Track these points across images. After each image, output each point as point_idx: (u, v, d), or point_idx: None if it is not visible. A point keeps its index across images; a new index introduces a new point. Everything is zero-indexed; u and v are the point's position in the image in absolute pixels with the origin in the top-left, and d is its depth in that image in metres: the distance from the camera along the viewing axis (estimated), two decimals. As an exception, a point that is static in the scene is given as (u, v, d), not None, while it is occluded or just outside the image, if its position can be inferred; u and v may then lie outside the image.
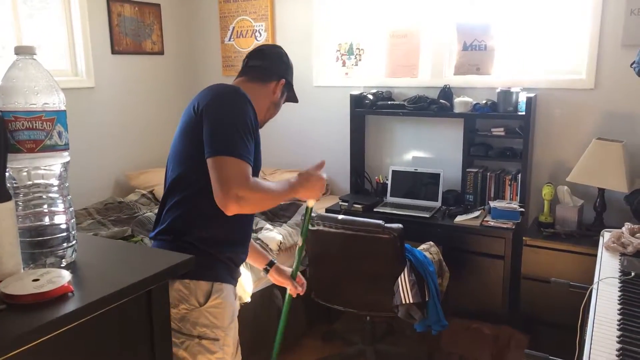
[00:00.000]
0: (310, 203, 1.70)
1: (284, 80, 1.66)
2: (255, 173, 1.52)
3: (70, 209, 0.85)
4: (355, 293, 2.71)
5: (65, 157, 0.83)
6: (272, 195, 1.48)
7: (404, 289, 2.52)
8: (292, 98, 1.75)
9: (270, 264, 1.89)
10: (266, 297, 2.73)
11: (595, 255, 1.91)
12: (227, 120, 1.41)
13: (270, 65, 1.65)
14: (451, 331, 2.79)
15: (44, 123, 0.80)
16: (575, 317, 1.79)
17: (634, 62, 2.22)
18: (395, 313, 2.60)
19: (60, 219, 0.82)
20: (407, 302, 2.54)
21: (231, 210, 1.35)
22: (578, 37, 2.95)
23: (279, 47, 1.75)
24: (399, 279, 2.54)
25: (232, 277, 1.58)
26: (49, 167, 0.82)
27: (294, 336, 2.93)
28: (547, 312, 2.73)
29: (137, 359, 0.82)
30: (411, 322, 2.62)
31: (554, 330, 2.70)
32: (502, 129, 3.03)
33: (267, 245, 2.71)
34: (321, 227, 2.63)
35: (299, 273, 1.89)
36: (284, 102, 1.72)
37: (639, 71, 2.15)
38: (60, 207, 0.82)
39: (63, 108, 0.84)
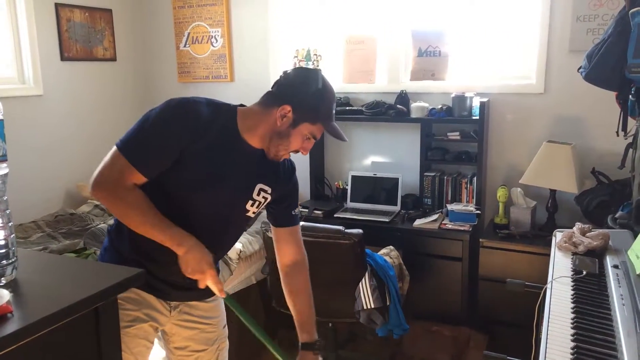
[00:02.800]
0: (218, 293, 1.47)
1: (288, 107, 1.42)
2: (191, 190, 1.41)
3: (10, 224, 0.80)
4: (317, 300, 2.65)
5: (3, 168, 0.78)
6: (137, 214, 1.34)
7: (365, 294, 2.52)
8: (334, 132, 1.51)
9: (305, 345, 1.65)
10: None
11: (549, 255, 1.96)
12: (142, 122, 1.37)
13: (279, 89, 1.47)
14: (412, 334, 2.81)
15: (-21, 133, 0.75)
16: (531, 316, 1.83)
17: (580, 67, 2.30)
18: (357, 318, 2.60)
19: (-2, 235, 0.77)
20: (369, 307, 2.54)
21: (92, 192, 1.33)
22: (528, 43, 3.04)
23: (308, 70, 1.57)
24: (360, 284, 2.54)
25: (148, 286, 1.48)
26: (-14, 180, 0.77)
27: (256, 345, 2.89)
28: (504, 312, 2.79)
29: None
30: (373, 327, 2.62)
31: (511, 330, 2.76)
32: (457, 133, 3.09)
33: (227, 255, 2.66)
34: (309, 238, 2.60)
35: None
36: (318, 136, 1.50)
37: (586, 76, 2.22)
38: (-1, 222, 0.77)
39: (0, 117, 0.79)
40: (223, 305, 1.70)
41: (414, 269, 2.86)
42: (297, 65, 3.59)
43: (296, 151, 1.51)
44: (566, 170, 2.68)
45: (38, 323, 0.67)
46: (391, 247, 2.85)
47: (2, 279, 0.78)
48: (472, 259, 2.88)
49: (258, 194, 1.53)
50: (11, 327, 0.66)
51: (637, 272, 1.55)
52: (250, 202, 1.52)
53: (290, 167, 1.65)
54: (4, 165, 0.79)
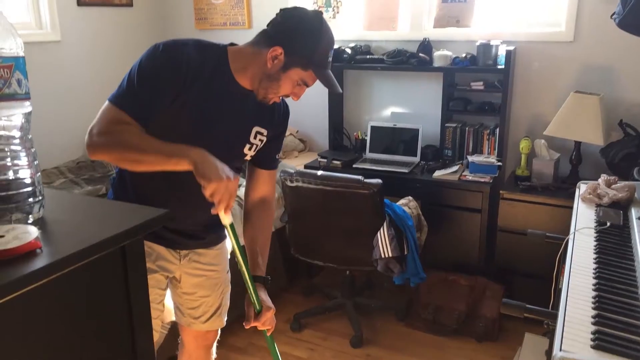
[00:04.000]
0: (225, 220, 1.32)
1: (279, 49, 1.33)
2: (186, 135, 1.32)
3: (35, 163, 0.80)
4: (334, 248, 2.72)
5: (26, 107, 0.78)
6: (134, 148, 1.24)
7: (383, 243, 2.54)
8: (326, 81, 1.41)
9: (256, 278, 1.56)
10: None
11: (570, 208, 1.93)
12: (131, 72, 1.32)
13: (273, 29, 1.37)
14: (428, 283, 2.84)
15: (1, 70, 0.74)
16: (549, 268, 1.83)
17: (614, 13, 2.20)
18: (375, 267, 2.63)
19: (24, 173, 0.77)
20: (386, 256, 2.56)
21: (88, 152, 1.28)
22: (559, -12, 2.90)
23: (307, 11, 1.40)
24: (378, 233, 2.55)
25: (158, 237, 1.51)
26: (9, 118, 0.76)
27: (275, 291, 2.95)
28: (522, 263, 2.79)
29: (113, 316, 0.80)
30: (390, 275, 2.65)
31: (528, 281, 2.77)
32: (481, 83, 3.01)
33: (240, 198, 2.68)
34: (300, 184, 2.61)
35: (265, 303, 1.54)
36: (310, 83, 1.42)
37: (620, 22, 2.12)
38: (24, 160, 0.77)
39: (21, 54, 0.78)
40: (227, 252, 1.74)
41: (432, 220, 2.86)
42: (317, 12, 3.49)
43: (287, 96, 1.45)
44: (593, 122, 2.61)
45: (66, 259, 0.68)
46: (410, 197, 2.85)
47: (30, 216, 0.78)
48: (491, 210, 2.86)
49: (255, 137, 1.50)
50: (40, 262, 0.67)
51: (664, 224, 1.53)
52: (248, 145, 1.50)
53: (285, 110, 1.60)
54: (27, 103, 0.78)
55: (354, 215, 2.58)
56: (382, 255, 2.56)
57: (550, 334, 1.64)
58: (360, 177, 2.49)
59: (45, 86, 3.17)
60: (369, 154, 3.32)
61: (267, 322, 1.53)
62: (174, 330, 2.12)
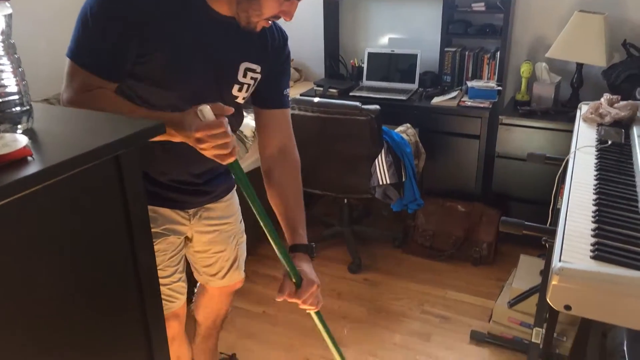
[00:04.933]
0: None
1: None
2: (166, 86, 1.20)
3: (20, 69, 0.76)
4: (332, 176, 2.71)
5: (7, 8, 0.73)
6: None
7: (381, 170, 2.53)
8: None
9: (294, 248, 1.35)
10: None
11: (570, 132, 1.91)
12: (82, 20, 1.14)
13: None
14: (426, 210, 2.87)
15: (-25, -33, 0.69)
16: (547, 193, 1.83)
17: None
18: (373, 194, 2.63)
19: (9, 80, 0.73)
20: (384, 183, 2.56)
21: None
22: None
23: None
24: (376, 160, 2.54)
25: (161, 200, 1.38)
26: (-12, 22, 0.72)
27: (273, 222, 2.97)
28: (519, 189, 2.80)
29: (111, 227, 0.79)
30: (388, 202, 2.67)
31: (525, 206, 2.80)
32: (482, 4, 2.89)
33: (242, 132, 2.64)
34: (296, 111, 2.56)
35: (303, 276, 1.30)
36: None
37: None
38: (8, 66, 0.73)
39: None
40: (237, 201, 1.60)
41: (430, 147, 2.84)
42: None
43: (277, 17, 1.19)
44: (596, 42, 2.54)
45: (60, 166, 0.65)
46: (408, 124, 2.81)
47: (19, 127, 0.75)
48: (490, 137, 2.84)
49: (244, 76, 1.28)
50: (32, 168, 0.65)
51: (666, 140, 1.51)
52: (237, 86, 1.28)
53: (282, 37, 1.36)
54: (8, 4, 0.73)
55: (351, 142, 2.55)
56: (380, 183, 2.56)
57: (546, 253, 1.66)
58: (357, 104, 2.45)
59: (28, 13, 3.04)
60: (366, 82, 3.25)
61: (309, 300, 1.27)
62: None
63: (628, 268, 1.04)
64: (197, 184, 1.42)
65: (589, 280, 1.03)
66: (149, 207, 1.34)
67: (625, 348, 1.68)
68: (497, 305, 2.25)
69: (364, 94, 3.07)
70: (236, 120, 1.41)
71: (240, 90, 1.30)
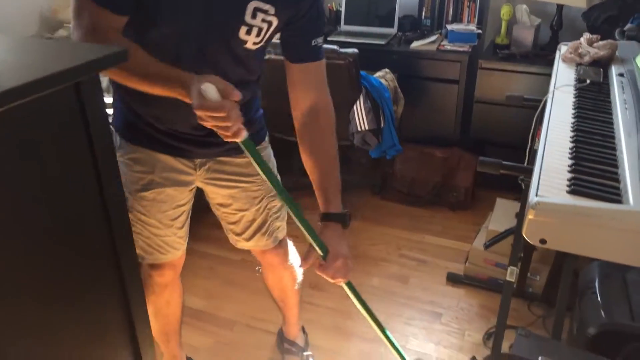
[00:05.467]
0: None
1: None
2: (160, 37, 1.12)
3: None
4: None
5: None
6: (125, 70, 0.99)
7: (360, 116, 2.50)
8: None
9: (326, 216, 1.27)
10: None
11: (549, 75, 1.89)
12: None
13: None
14: (404, 157, 2.86)
15: None
16: (525, 137, 1.83)
17: None
18: (351, 141, 2.61)
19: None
20: (363, 129, 2.54)
21: None
22: None
23: None
24: (355, 106, 2.50)
25: (162, 145, 1.29)
26: None
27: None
28: (497, 134, 2.81)
29: (74, 157, 0.75)
30: (366, 148, 2.65)
31: (503, 151, 2.79)
32: (463, -56, 2.81)
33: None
34: (272, 56, 2.48)
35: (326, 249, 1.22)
36: None
37: None
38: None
39: None
40: (269, 155, 1.47)
41: (409, 93, 2.81)
42: None
43: None
44: (577, -17, 2.49)
45: (17, 90, 0.61)
46: (387, 69, 2.76)
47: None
48: (469, 81, 2.81)
49: (254, 17, 1.13)
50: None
51: (644, 77, 1.50)
52: (245, 28, 1.14)
53: None
54: None
55: (329, 87, 2.50)
56: (359, 129, 2.53)
57: (523, 192, 1.67)
58: (335, 47, 2.38)
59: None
60: (344, 27, 3.17)
61: (338, 273, 1.20)
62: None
63: (603, 201, 1.05)
64: (204, 137, 1.27)
65: (564, 214, 1.04)
66: (148, 151, 1.28)
67: (596, 285, 1.73)
68: (473, 247, 2.29)
69: (342, 38, 3.00)
70: (248, 72, 1.27)
71: (248, 33, 1.15)
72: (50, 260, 0.75)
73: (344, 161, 3.29)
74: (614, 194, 1.07)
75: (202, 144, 1.30)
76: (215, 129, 1.02)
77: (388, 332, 1.46)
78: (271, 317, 2.07)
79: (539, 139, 1.56)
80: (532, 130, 1.73)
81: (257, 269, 1.74)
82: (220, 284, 2.26)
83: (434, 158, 2.86)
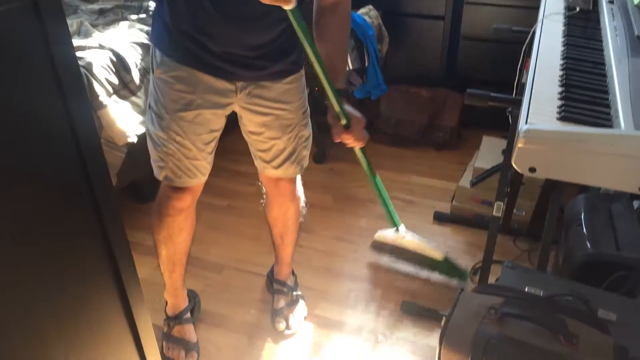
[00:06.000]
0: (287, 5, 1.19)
1: None
2: None
3: None
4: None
5: None
6: None
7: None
8: None
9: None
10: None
11: (537, 8, 1.83)
12: None
13: None
14: (389, 97, 2.81)
15: None
16: (512, 74, 1.80)
17: None
18: (335, 81, 2.55)
19: None
20: (347, 68, 2.47)
21: None
22: None
23: None
24: (338, 44, 2.43)
25: (206, 65, 1.32)
26: None
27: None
28: (484, 72, 2.76)
29: (37, 86, 0.70)
30: (351, 89, 2.59)
31: (490, 88, 2.75)
32: None
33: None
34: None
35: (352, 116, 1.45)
36: None
37: None
38: None
39: None
40: (303, 90, 1.51)
41: (393, 31, 2.73)
42: None
43: None
44: None
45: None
46: (370, 6, 2.67)
47: None
48: (455, 17, 2.73)
49: None
50: None
51: (636, 3, 1.46)
52: None
53: None
54: None
55: (310, 24, 2.41)
56: (343, 68, 2.46)
57: (511, 124, 1.65)
58: (316, -18, 2.28)
59: None
60: (324, -38, 3.03)
61: (358, 136, 1.45)
62: (133, 153, 2.05)
63: (593, 126, 1.03)
64: (250, 57, 1.32)
65: (554, 141, 1.02)
66: (191, 70, 1.30)
67: (582, 217, 1.74)
68: (460, 186, 2.29)
69: (323, -25, 2.87)
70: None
71: None
72: (20, 198, 0.71)
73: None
74: (605, 119, 1.05)
75: (247, 66, 1.33)
76: None
77: (386, 197, 1.85)
78: (259, 260, 2.07)
79: (526, 72, 1.52)
80: (519, 63, 1.69)
81: (261, 202, 1.76)
82: (206, 229, 2.24)
83: (419, 98, 2.81)
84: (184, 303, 1.73)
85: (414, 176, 2.62)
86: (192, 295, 1.81)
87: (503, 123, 1.80)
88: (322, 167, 2.71)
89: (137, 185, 2.40)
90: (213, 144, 1.45)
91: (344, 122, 1.44)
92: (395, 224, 1.93)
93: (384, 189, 1.83)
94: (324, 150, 2.75)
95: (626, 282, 1.55)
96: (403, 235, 1.94)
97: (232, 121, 1.62)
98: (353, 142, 1.47)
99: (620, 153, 0.97)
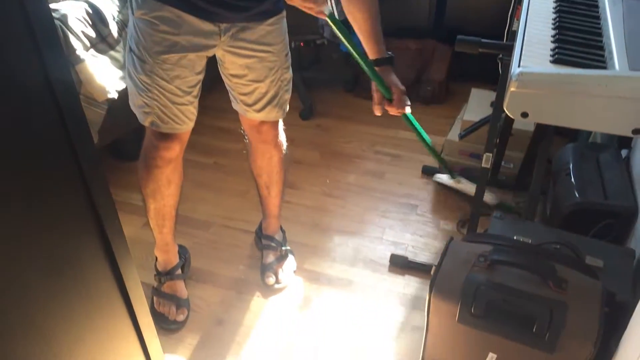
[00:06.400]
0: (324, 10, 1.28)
1: None
2: None
3: None
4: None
5: None
6: None
7: (330, 3, 2.35)
8: None
9: (379, 62, 1.47)
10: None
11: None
12: None
13: None
14: (377, 51, 2.75)
15: None
16: (502, 25, 1.76)
17: None
18: (321, 34, 2.48)
19: None
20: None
21: None
22: None
23: None
24: (323, -5, 2.35)
25: (190, 6, 1.27)
26: None
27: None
28: (473, 23, 2.70)
29: (7, 36, 0.65)
30: (337, 42, 2.53)
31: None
32: None
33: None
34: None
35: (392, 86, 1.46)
36: None
37: None
38: None
39: None
40: (285, 32, 1.48)
41: (380, -20, 2.65)
42: None
43: None
44: None
45: None
46: (356, -45, 2.57)
47: None
48: (443, -35, 2.65)
49: None
50: None
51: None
52: None
53: None
54: None
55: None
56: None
57: (502, 72, 1.62)
58: None
59: None
60: None
61: (401, 106, 1.47)
62: (114, 111, 1.99)
63: (587, 68, 1.00)
64: None
65: (548, 83, 0.99)
66: (175, 10, 1.26)
67: (570, 166, 1.74)
68: (448, 139, 2.27)
69: None
70: None
71: None
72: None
73: (315, 59, 3.18)
74: (599, 61, 1.02)
75: (231, 7, 1.30)
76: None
77: (440, 158, 1.93)
78: (246, 217, 2.05)
79: (518, 19, 1.48)
80: (510, 9, 1.64)
81: (244, 152, 1.74)
82: (192, 186, 2.20)
83: (407, 51, 2.76)
84: (175, 259, 1.72)
85: (402, 131, 2.59)
86: (183, 252, 1.80)
87: (491, 76, 1.76)
88: (309, 124, 2.67)
89: (119, 144, 2.34)
90: (197, 88, 1.42)
91: (387, 96, 1.47)
92: (452, 175, 2.03)
93: (435, 151, 1.88)
94: (311, 107, 2.70)
95: (613, 229, 1.56)
96: (459, 180, 2.03)
97: (215, 78, 1.57)
98: (396, 112, 1.50)
99: (614, 95, 0.95)
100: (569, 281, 1.14)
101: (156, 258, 1.72)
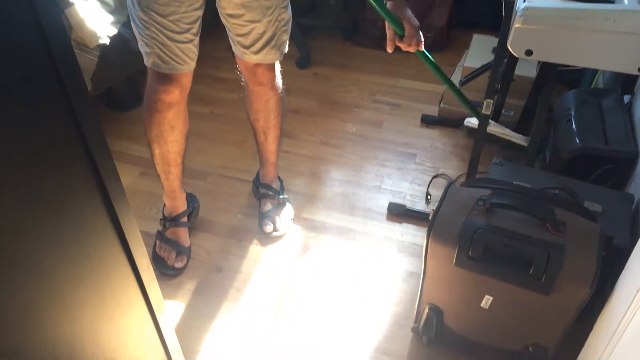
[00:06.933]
0: None
1: None
2: None
3: None
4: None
5: None
6: None
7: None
8: None
9: None
10: None
11: None
12: None
13: None
14: None
15: None
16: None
17: None
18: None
19: None
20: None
21: None
22: None
23: None
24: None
25: None
26: None
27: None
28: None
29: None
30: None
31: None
32: None
33: None
34: None
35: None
36: None
37: None
38: None
39: None
40: None
41: None
42: None
43: None
44: None
45: None
46: None
47: None
48: None
49: None
50: None
51: None
52: None
53: None
54: None
55: None
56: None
57: (507, 10, 1.57)
58: None
59: None
60: None
61: (414, 42, 1.45)
62: (106, 58, 1.94)
63: (595, 2, 0.96)
64: None
65: (554, 19, 0.96)
66: None
67: (572, 112, 1.71)
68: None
69: None
70: None
71: None
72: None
73: (313, 5, 3.09)
74: (607, -3, 0.98)
75: None
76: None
77: (462, 95, 1.89)
78: (244, 167, 2.04)
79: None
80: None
81: (240, 95, 1.71)
82: (190, 137, 2.16)
83: (407, -4, 2.67)
84: (182, 206, 1.71)
85: (401, 79, 2.55)
86: (192, 201, 1.80)
87: (493, 22, 1.70)
88: (306, 72, 2.62)
89: (114, 93, 2.30)
90: (197, 25, 1.38)
91: (400, 32, 1.45)
92: (476, 116, 1.95)
93: (457, 88, 1.88)
94: (308, 55, 2.64)
95: (613, 175, 1.55)
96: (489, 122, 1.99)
97: (211, 26, 1.52)
98: (409, 49, 1.49)
99: (622, 30, 0.92)
100: (567, 224, 1.14)
101: (164, 204, 1.72)
